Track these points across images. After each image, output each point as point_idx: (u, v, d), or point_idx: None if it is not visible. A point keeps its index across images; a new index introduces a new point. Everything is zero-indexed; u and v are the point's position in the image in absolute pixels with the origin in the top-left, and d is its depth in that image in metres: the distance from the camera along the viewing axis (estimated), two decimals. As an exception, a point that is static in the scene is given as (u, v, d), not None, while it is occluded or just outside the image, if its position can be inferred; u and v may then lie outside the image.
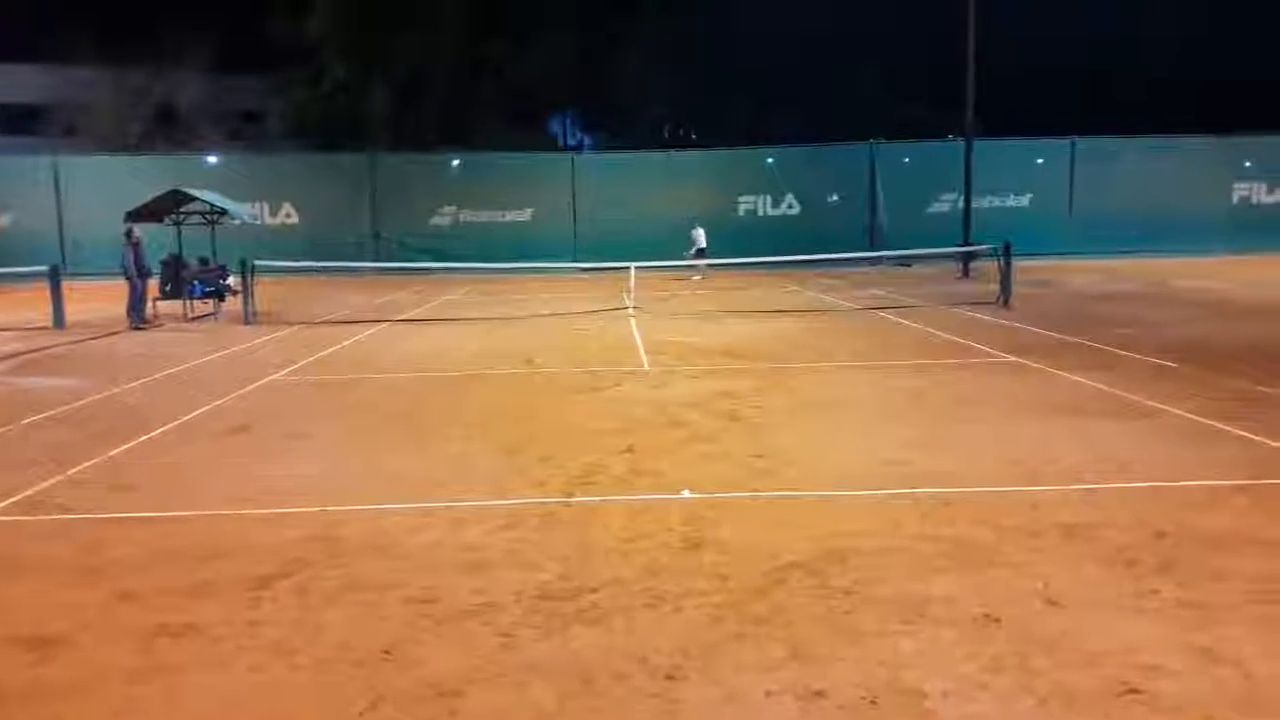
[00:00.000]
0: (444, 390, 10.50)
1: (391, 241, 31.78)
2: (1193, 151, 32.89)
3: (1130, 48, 43.31)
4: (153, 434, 8.36)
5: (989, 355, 12.04)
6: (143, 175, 27.71)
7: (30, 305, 19.83)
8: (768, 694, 3.71)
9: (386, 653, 4.12)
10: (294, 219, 32.52)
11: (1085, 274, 25.00)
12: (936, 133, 33.95)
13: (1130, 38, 43.01)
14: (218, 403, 9.78)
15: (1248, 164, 33.74)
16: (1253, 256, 28.71)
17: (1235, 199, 33.87)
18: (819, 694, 3.70)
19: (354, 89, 40.66)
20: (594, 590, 4.74)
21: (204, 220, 20.23)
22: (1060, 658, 3.94)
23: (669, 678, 3.85)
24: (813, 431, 8.17)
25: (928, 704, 3.61)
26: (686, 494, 6.33)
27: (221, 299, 19.24)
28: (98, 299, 20.31)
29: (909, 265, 28.33)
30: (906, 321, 15.89)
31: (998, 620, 4.31)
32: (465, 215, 32.90)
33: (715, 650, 4.08)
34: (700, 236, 26.52)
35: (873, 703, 3.63)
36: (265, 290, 19.03)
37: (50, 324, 16.84)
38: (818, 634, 4.22)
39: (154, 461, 7.47)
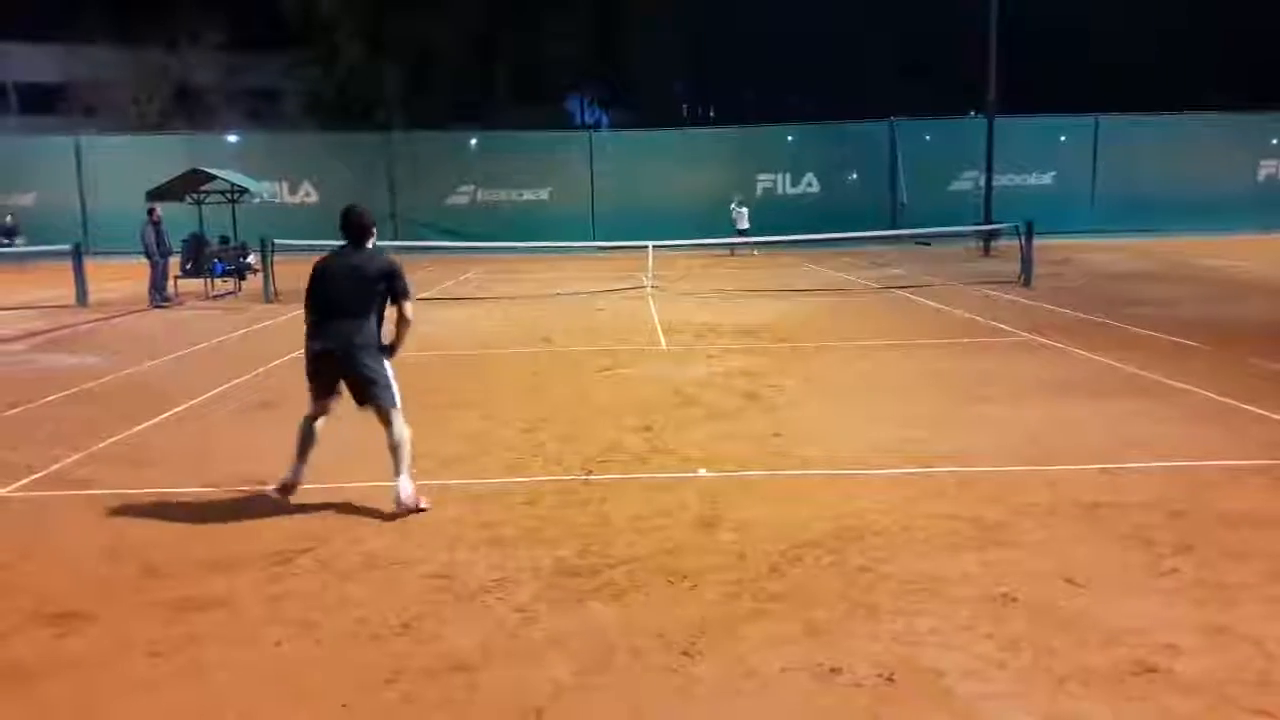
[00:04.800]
0: (462, 368, 10.54)
1: (409, 220, 31.79)
2: (1218, 128, 32.39)
3: (1155, 23, 42.67)
4: (175, 410, 8.44)
5: (1009, 334, 11.97)
6: (163, 154, 27.84)
7: (53, 283, 19.99)
8: (783, 671, 3.73)
9: (405, 627, 4.16)
10: (313, 197, 32.58)
11: (1108, 253, 24.75)
12: (952, 112, 33.66)
13: (1155, 12, 42.36)
14: (239, 380, 9.85)
15: (1275, 141, 33.25)
16: (1279, 235, 28.34)
17: (1262, 176, 33.39)
18: (835, 671, 3.71)
19: (367, 69, 40.59)
20: (611, 567, 4.77)
21: (225, 199, 20.31)
22: (1078, 637, 3.94)
23: (685, 654, 3.87)
24: (830, 410, 8.16)
25: (945, 682, 3.61)
26: (703, 472, 6.34)
27: (242, 277, 19.37)
28: (119, 277, 20.47)
29: (929, 244, 28.12)
30: (926, 300, 15.80)
31: (1015, 599, 4.31)
32: (483, 194, 32.86)
33: (731, 627, 4.10)
34: (742, 216, 26.79)
35: (889, 680, 3.64)
36: (285, 268, 19.08)
37: (73, 302, 17.00)
38: (834, 612, 4.23)
39: (177, 438, 7.54)
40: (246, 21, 39.40)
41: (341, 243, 5.83)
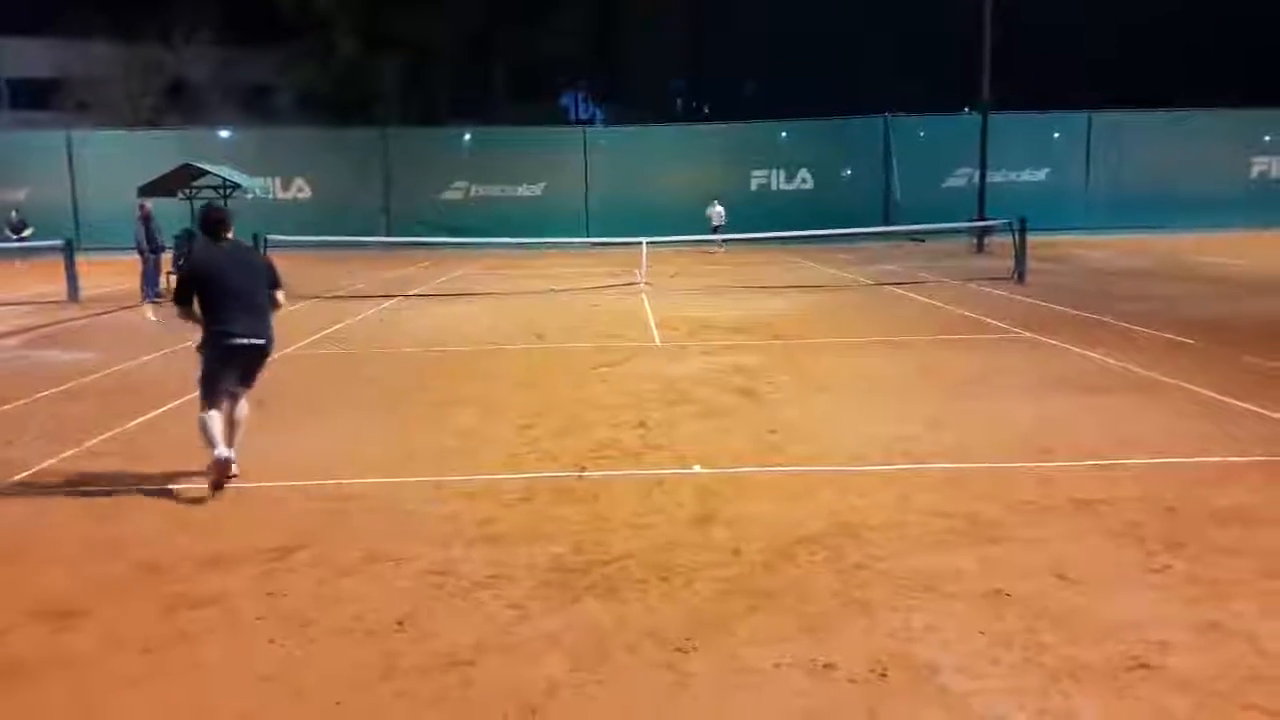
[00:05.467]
0: (456, 365, 10.53)
1: (403, 216, 31.75)
2: (1211, 125, 32.51)
3: (1148, 20, 42.72)
4: (168, 407, 8.41)
5: (1003, 331, 11.99)
6: (156, 149, 27.81)
7: (45, 279, 19.93)
8: (777, 667, 3.73)
9: (400, 624, 4.16)
10: (306, 193, 32.56)
11: (1101, 249, 24.82)
12: (947, 109, 33.71)
13: (1149, 9, 42.41)
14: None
15: (1267, 138, 33.37)
16: (1271, 232, 28.43)
17: (1254, 173, 33.52)
18: (829, 667, 3.72)
19: (363, 65, 40.51)
20: (606, 563, 4.77)
21: (216, 194, 20.25)
22: (1070, 632, 3.95)
23: (679, 650, 3.88)
24: (824, 407, 8.17)
25: (938, 678, 3.62)
26: (698, 469, 6.35)
27: (235, 273, 19.26)
28: (112, 273, 20.40)
29: (923, 240, 28.17)
30: (919, 297, 15.82)
31: (1008, 595, 4.32)
32: (477, 190, 32.85)
33: (726, 623, 4.10)
34: (718, 214, 26.97)
35: (883, 676, 3.64)
36: (277, 264, 19.03)
37: (65, 298, 16.94)
38: (828, 608, 4.24)
39: (169, 434, 7.52)
40: (241, 16, 39.31)
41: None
